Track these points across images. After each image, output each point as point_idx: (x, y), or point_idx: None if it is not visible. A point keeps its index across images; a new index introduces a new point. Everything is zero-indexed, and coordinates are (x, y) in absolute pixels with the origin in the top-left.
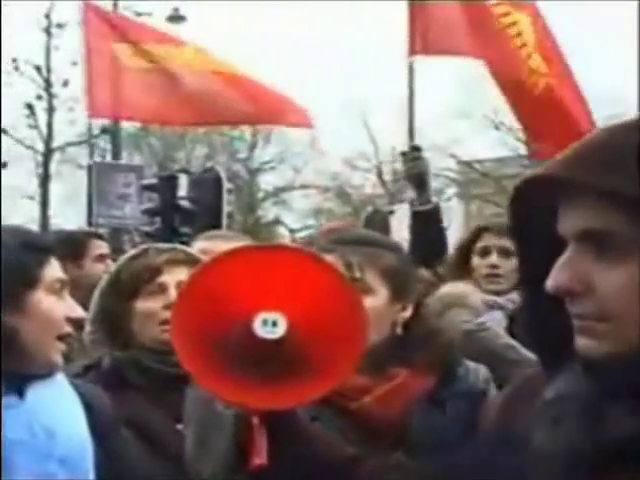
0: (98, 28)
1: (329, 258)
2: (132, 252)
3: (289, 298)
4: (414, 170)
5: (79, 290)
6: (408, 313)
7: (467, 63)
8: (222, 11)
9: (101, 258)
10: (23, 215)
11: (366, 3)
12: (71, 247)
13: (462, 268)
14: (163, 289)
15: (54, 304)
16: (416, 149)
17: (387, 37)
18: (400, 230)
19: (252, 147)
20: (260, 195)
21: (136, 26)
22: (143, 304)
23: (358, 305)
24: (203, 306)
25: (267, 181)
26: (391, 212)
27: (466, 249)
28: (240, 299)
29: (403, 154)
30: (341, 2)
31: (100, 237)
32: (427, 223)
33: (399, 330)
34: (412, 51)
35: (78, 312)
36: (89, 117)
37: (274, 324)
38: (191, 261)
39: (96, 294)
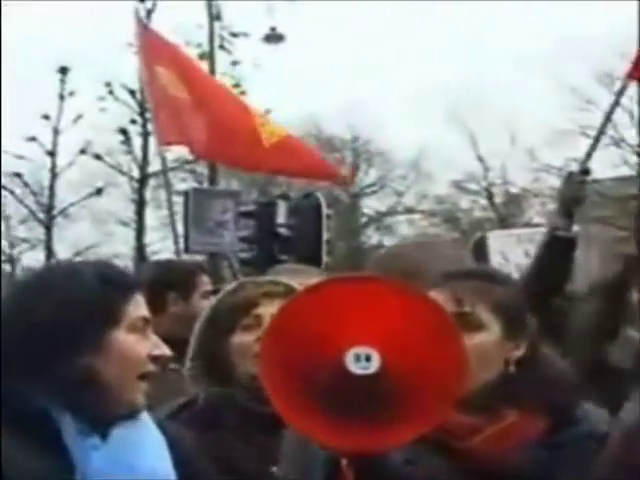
0: (151, 52)
1: (437, 292)
2: (230, 286)
3: (383, 332)
4: (574, 194)
5: (185, 326)
6: (521, 351)
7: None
8: (320, 28)
9: (207, 295)
10: (118, 242)
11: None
12: (181, 282)
13: (614, 302)
14: (259, 322)
15: (136, 343)
16: (585, 172)
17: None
18: (496, 256)
19: (354, 170)
20: (362, 220)
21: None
22: (239, 338)
23: (458, 341)
24: (292, 341)
25: (369, 206)
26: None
27: (622, 282)
28: (331, 333)
29: (569, 175)
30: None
31: (205, 271)
32: (565, 251)
33: (512, 369)
34: None
35: (163, 350)
36: (159, 147)
37: (367, 359)
38: (290, 293)
39: (196, 329)
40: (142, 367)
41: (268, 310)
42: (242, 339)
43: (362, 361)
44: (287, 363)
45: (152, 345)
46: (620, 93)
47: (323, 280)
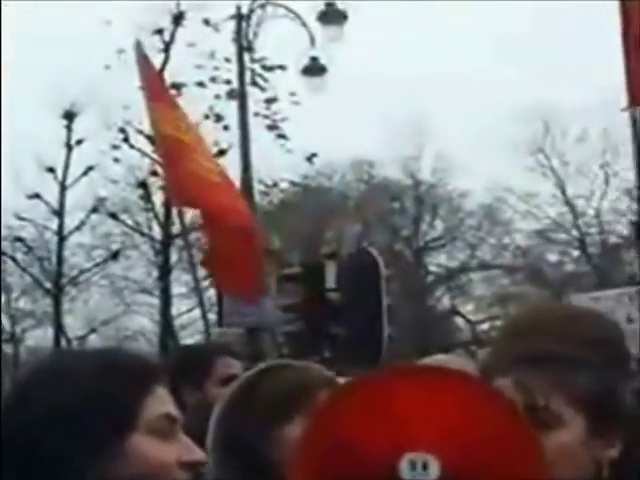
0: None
1: (502, 382)
2: (269, 365)
3: (442, 434)
4: None
5: (202, 420)
6: (616, 450)
7: None
8: (363, 53)
9: (227, 380)
10: (140, 314)
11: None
12: (194, 369)
13: None
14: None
15: (160, 448)
16: None
17: None
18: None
19: (416, 221)
20: (429, 280)
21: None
22: (294, 431)
23: (532, 443)
24: (332, 446)
25: (437, 262)
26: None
27: None
28: (379, 437)
29: None
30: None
31: (232, 353)
32: None
33: (605, 473)
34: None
35: (195, 454)
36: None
37: (424, 467)
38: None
39: (219, 413)
40: (169, 476)
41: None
42: (293, 431)
43: (418, 469)
44: (326, 473)
45: (181, 449)
46: None
47: (370, 373)
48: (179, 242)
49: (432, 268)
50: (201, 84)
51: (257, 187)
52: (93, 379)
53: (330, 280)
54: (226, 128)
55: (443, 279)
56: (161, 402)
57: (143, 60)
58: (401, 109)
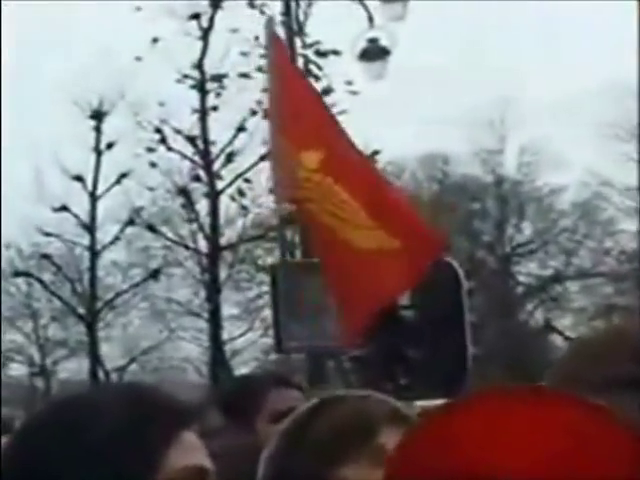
0: (286, 73)
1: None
2: (324, 397)
3: (545, 459)
4: None
5: (250, 465)
6: None
7: None
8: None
9: (283, 416)
10: (186, 340)
11: None
12: (240, 406)
13: None
14: (380, 455)
15: None
16: None
17: None
18: None
19: (500, 225)
20: (518, 291)
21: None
22: (353, 473)
23: None
24: (451, 472)
25: (527, 271)
26: None
27: None
28: (477, 465)
29: None
30: None
31: (289, 383)
32: None
33: None
34: None
35: None
36: (278, 203)
37: None
38: (416, 417)
39: (269, 452)
40: None
41: (392, 440)
42: (357, 474)
43: None
44: None
45: None
46: None
47: (463, 399)
48: (228, 256)
49: (521, 278)
50: (245, 75)
51: None
52: (107, 426)
53: (404, 296)
54: None
55: (535, 290)
56: (188, 451)
57: (277, 48)
58: (478, 96)
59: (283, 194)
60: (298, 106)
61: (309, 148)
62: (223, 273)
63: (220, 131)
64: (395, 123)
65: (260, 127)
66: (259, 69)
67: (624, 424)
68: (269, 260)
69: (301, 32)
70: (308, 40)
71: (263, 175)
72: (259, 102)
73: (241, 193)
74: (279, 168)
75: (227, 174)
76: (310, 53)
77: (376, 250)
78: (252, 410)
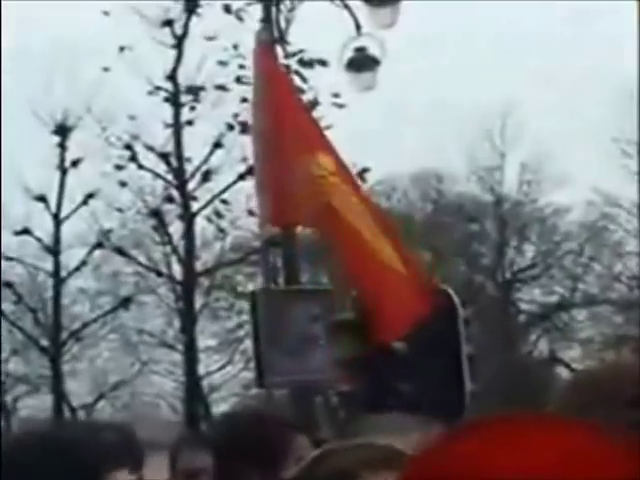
0: (276, 89)
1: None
2: (314, 454)
3: None
4: None
5: None
6: None
7: None
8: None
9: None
10: (159, 374)
11: None
12: (262, 457)
13: None
14: None
15: None
16: None
17: None
18: None
19: (500, 247)
20: (520, 320)
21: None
22: None
23: None
24: None
25: (529, 298)
26: None
27: None
28: None
29: None
30: None
31: (295, 427)
32: None
33: None
34: None
35: None
36: (261, 227)
37: None
38: (394, 460)
39: None
40: None
41: None
42: None
43: None
44: None
45: None
46: None
47: (448, 435)
48: (205, 282)
49: (523, 306)
50: (222, 87)
51: None
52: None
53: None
54: None
55: (538, 319)
56: None
57: (265, 61)
58: (475, 109)
59: (268, 215)
60: (300, 114)
61: (322, 152)
62: (199, 301)
63: (195, 147)
64: (385, 138)
65: (238, 143)
66: (238, 80)
67: (618, 443)
68: (249, 286)
69: (283, 40)
70: (291, 49)
71: (242, 195)
72: (236, 115)
73: (218, 214)
74: (265, 187)
75: (203, 194)
76: (293, 62)
77: (396, 269)
78: (278, 461)
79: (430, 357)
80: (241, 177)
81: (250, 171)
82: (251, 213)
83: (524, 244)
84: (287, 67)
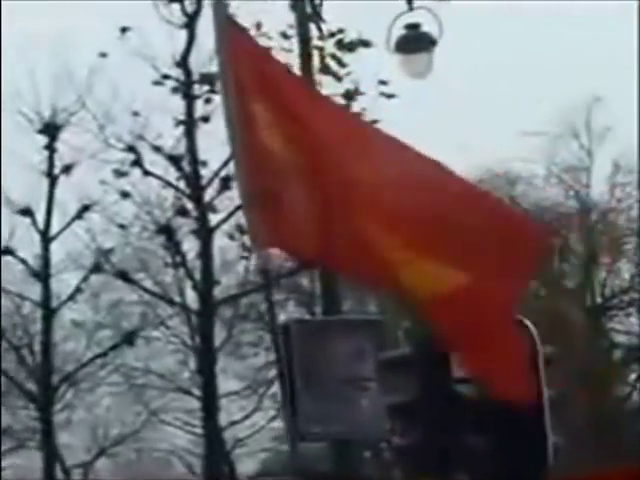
0: (248, 76)
1: None
2: None
3: None
4: None
5: None
6: None
7: None
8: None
9: None
10: (175, 425)
11: None
12: None
13: None
14: None
15: None
16: None
17: None
18: None
19: (586, 267)
20: (615, 356)
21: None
22: None
23: None
24: None
25: (626, 328)
26: None
27: None
28: None
29: None
30: None
31: None
32: None
33: None
34: None
35: None
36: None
37: None
38: None
39: None
40: None
41: None
42: None
43: None
44: None
45: None
46: None
47: None
48: (226, 312)
49: (619, 337)
50: None
51: None
52: None
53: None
54: None
55: (636, 354)
56: None
57: (229, 29)
58: (556, 100)
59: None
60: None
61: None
62: (220, 335)
63: (212, 148)
64: (443, 133)
65: None
66: None
67: None
68: (281, 317)
69: (317, 17)
70: (326, 28)
71: None
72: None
73: (241, 230)
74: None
75: (222, 204)
76: (329, 45)
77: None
78: None
79: (504, 404)
80: None
81: None
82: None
83: (618, 262)
84: (321, 49)
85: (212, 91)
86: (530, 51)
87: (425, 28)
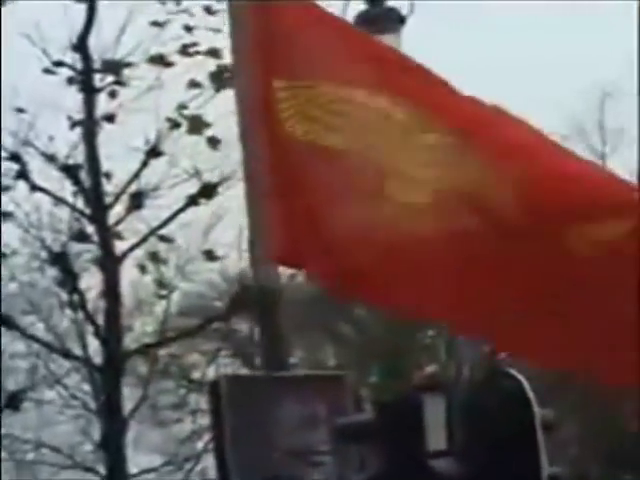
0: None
1: None
2: None
3: None
4: None
5: None
6: None
7: None
8: None
9: None
10: None
11: None
12: None
13: None
14: None
15: None
16: None
17: None
18: None
19: None
20: (625, 408)
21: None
22: None
23: None
24: None
25: None
26: None
27: None
28: None
29: None
30: None
31: None
32: None
33: None
34: None
35: None
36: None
37: None
38: None
39: None
40: None
41: None
42: None
43: None
44: None
45: None
46: None
47: None
48: (140, 366)
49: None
50: (160, 61)
51: None
52: None
53: (435, 433)
54: None
55: None
56: None
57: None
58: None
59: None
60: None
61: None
62: (132, 397)
63: (118, 156)
64: None
65: (186, 147)
66: (183, 50)
67: None
68: (209, 371)
69: None
70: None
71: (195, 227)
72: (182, 107)
73: (157, 259)
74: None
75: (133, 228)
76: None
77: None
78: None
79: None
80: (193, 200)
81: (207, 189)
82: (210, 256)
83: None
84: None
85: (118, 82)
86: (525, 46)
87: (392, 2)
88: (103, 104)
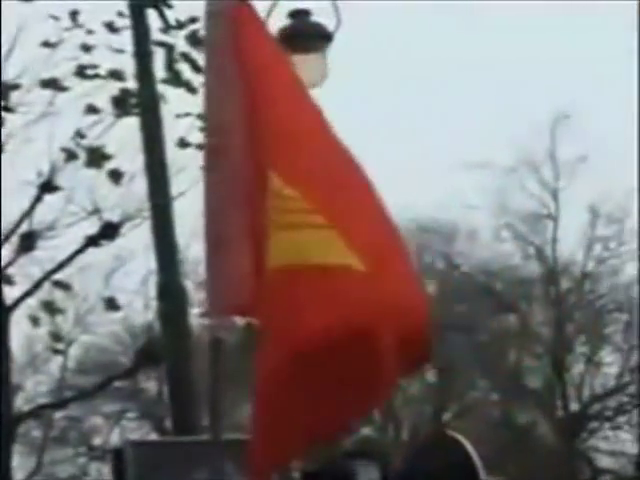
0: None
1: None
2: None
3: None
4: None
5: None
6: None
7: None
8: None
9: None
10: None
11: None
12: None
13: None
14: None
15: None
16: None
17: None
18: None
19: (557, 359)
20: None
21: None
22: None
23: None
24: None
25: (609, 447)
26: None
27: None
28: None
29: None
30: None
31: None
32: None
33: None
34: None
35: None
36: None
37: None
38: None
39: None
40: None
41: None
42: None
43: None
44: None
45: None
46: None
47: None
48: (34, 431)
49: (602, 461)
50: (54, 85)
51: None
52: None
53: None
54: None
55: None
56: None
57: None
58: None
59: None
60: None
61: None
62: (24, 465)
63: (8, 191)
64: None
65: (84, 180)
66: (80, 72)
67: None
68: (113, 436)
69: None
70: (175, 17)
71: (95, 272)
72: (80, 135)
73: (52, 308)
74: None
75: (24, 272)
76: (180, 40)
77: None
78: None
79: None
80: (92, 241)
81: (109, 229)
82: (112, 305)
83: (600, 349)
84: (168, 47)
85: (6, 108)
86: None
87: (318, 18)
88: None
